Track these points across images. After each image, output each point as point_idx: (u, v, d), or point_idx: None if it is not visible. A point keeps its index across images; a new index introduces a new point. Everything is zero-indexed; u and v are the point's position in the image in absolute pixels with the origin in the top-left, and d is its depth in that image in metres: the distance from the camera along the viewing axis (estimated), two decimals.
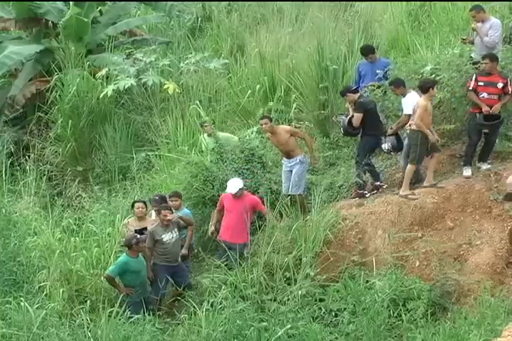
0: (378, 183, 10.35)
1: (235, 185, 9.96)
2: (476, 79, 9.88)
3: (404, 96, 10.02)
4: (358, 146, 10.60)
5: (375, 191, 10.31)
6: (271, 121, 10.42)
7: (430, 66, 10.82)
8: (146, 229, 9.99)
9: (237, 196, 9.91)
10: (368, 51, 11.56)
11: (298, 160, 10.31)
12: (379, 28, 15.11)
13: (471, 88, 9.88)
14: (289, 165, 10.38)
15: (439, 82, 10.38)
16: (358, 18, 15.36)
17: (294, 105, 13.21)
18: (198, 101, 13.36)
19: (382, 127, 10.44)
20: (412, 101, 9.84)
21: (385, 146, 10.14)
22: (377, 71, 11.20)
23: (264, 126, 10.42)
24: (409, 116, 9.82)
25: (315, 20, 15.67)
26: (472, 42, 11.07)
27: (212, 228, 10.19)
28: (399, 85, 10.05)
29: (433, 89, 9.63)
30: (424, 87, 9.63)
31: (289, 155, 10.40)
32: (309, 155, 10.53)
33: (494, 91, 9.81)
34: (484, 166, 9.85)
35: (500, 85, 9.79)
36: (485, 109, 9.73)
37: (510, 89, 9.81)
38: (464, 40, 11.24)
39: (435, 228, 9.33)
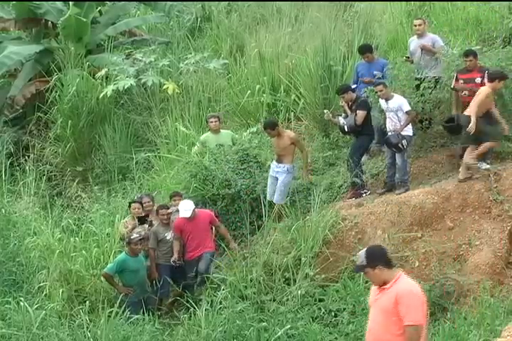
0: (360, 191, 10.31)
1: (186, 208, 9.66)
2: (456, 78, 9.88)
3: (390, 99, 9.92)
4: (353, 146, 10.53)
5: (354, 198, 10.27)
6: (273, 129, 10.28)
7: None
8: (148, 216, 10.03)
9: (192, 217, 9.70)
10: (365, 50, 11.39)
11: (286, 168, 10.22)
12: (378, 28, 15.10)
13: (452, 86, 9.89)
14: (276, 170, 10.29)
15: (438, 82, 10.40)
16: (357, 19, 15.34)
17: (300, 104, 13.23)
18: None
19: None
20: (404, 100, 9.90)
21: (404, 143, 9.82)
22: (375, 72, 11.10)
23: (268, 134, 10.51)
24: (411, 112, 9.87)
25: (314, 20, 15.66)
26: (412, 62, 11.04)
27: (175, 255, 9.70)
28: (387, 86, 10.01)
29: (499, 81, 9.46)
30: (491, 76, 9.51)
31: (279, 159, 10.34)
32: (303, 169, 10.49)
33: (474, 87, 9.79)
34: (483, 166, 9.83)
35: (478, 80, 9.79)
36: (453, 112, 9.82)
37: (485, 82, 9.72)
38: (408, 58, 11.21)
39: (435, 228, 9.33)
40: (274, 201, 10.24)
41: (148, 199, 10.38)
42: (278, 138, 10.34)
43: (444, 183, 9.80)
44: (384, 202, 9.69)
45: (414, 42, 11.18)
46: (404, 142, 9.74)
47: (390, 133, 9.93)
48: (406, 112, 9.80)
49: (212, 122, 11.66)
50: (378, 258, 5.55)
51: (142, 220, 10.00)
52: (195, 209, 9.76)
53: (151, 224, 9.99)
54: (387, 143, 9.94)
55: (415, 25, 11.19)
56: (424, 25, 11.10)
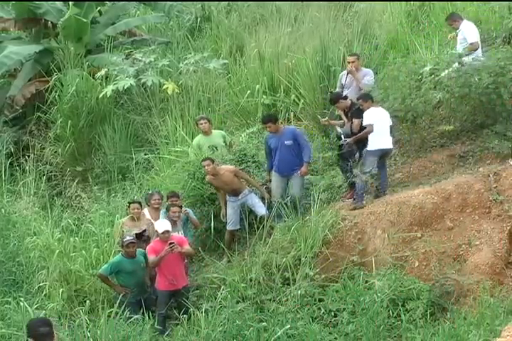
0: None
1: (164, 224, 9.31)
2: None
3: (366, 110, 9.93)
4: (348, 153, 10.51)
5: (350, 199, 10.24)
6: (213, 162, 10.25)
7: (429, 66, 10.81)
8: (145, 231, 9.99)
9: (166, 237, 9.10)
10: (266, 120, 10.48)
11: (247, 192, 10.37)
12: (378, 28, 15.12)
13: None
14: (240, 199, 10.37)
15: (438, 82, 10.38)
16: (357, 19, 15.37)
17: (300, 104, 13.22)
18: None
19: None
20: (371, 114, 9.85)
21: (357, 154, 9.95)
22: (286, 142, 10.27)
23: (206, 167, 10.18)
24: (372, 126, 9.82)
25: (314, 20, 15.68)
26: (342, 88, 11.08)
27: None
28: (367, 100, 10.00)
29: None
30: None
31: (235, 192, 10.37)
32: (259, 190, 10.48)
33: None
34: None
35: None
36: None
37: None
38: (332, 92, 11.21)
39: (434, 228, 9.32)
40: (261, 214, 10.13)
41: (158, 196, 10.36)
42: (218, 177, 10.28)
43: (443, 183, 9.80)
44: (384, 202, 9.69)
45: (346, 76, 11.22)
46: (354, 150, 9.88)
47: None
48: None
49: (201, 124, 11.61)
50: (28, 332, 5.77)
51: (140, 236, 9.88)
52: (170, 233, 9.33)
53: (146, 240, 9.87)
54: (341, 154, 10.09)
55: (349, 62, 11.22)
56: (357, 62, 11.17)
